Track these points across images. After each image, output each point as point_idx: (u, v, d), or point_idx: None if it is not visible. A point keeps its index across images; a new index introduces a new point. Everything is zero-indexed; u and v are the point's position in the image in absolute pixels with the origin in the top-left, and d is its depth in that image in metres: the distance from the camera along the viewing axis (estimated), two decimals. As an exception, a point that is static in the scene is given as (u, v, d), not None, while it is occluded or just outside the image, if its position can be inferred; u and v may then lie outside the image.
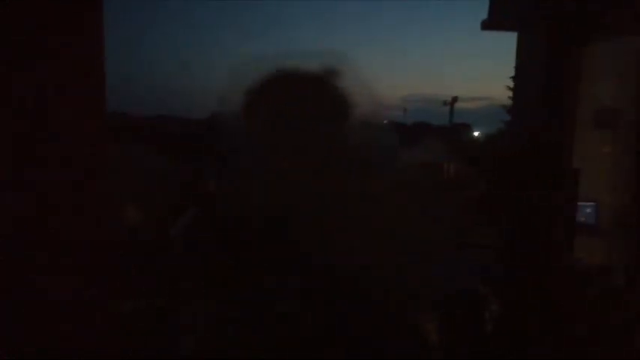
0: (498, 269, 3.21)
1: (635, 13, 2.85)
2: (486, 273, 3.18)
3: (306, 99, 1.29)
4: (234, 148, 1.37)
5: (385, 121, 1.49)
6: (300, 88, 1.31)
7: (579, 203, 3.61)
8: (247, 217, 1.29)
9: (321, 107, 1.29)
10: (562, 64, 2.81)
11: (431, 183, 1.98)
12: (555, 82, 2.83)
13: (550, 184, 2.90)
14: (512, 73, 3.67)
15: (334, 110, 1.30)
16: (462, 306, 2.86)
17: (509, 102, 3.77)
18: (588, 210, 4.06)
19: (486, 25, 3.58)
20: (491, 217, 3.65)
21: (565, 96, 2.85)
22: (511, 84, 3.72)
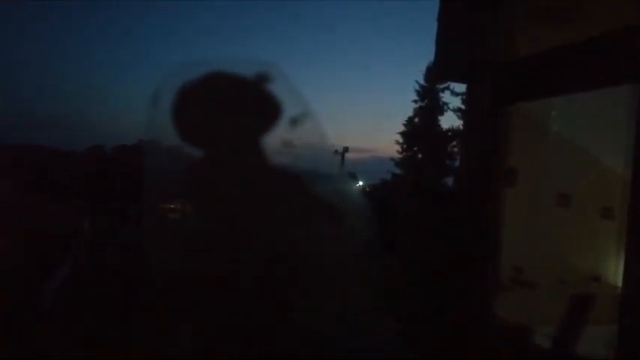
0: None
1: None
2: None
3: (239, 99, 1.42)
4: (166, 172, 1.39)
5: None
6: (233, 88, 1.42)
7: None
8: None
9: (253, 107, 1.43)
10: (495, 119, 2.92)
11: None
12: (488, 137, 2.96)
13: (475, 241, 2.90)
14: (400, 129, 4.36)
15: (265, 110, 1.43)
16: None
17: (397, 155, 4.36)
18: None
19: (433, 76, 4.00)
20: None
21: (495, 153, 2.99)
22: (399, 139, 4.42)
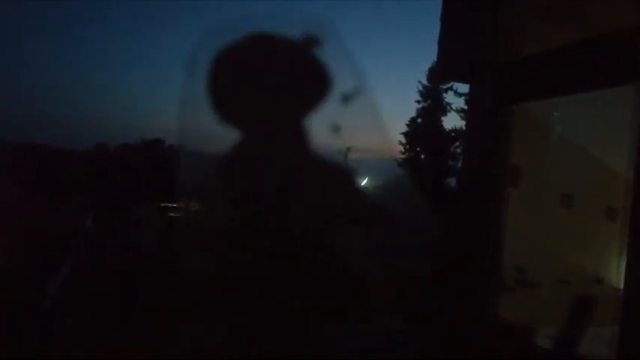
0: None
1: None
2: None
3: (282, 66, 1.14)
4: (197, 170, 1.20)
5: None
6: (275, 53, 1.15)
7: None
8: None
9: (297, 77, 1.16)
10: (496, 119, 2.91)
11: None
12: (491, 138, 2.95)
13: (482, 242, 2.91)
14: (403, 130, 4.50)
15: (312, 82, 1.15)
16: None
17: (400, 156, 4.27)
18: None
19: (435, 76, 4.34)
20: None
21: (498, 154, 3.00)
22: (402, 139, 4.44)
